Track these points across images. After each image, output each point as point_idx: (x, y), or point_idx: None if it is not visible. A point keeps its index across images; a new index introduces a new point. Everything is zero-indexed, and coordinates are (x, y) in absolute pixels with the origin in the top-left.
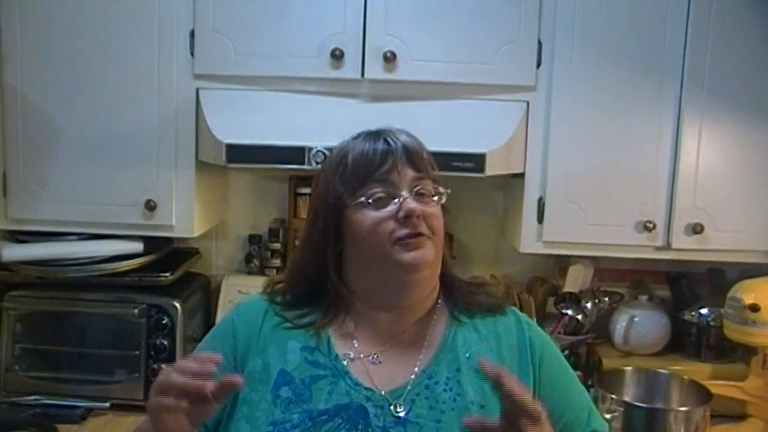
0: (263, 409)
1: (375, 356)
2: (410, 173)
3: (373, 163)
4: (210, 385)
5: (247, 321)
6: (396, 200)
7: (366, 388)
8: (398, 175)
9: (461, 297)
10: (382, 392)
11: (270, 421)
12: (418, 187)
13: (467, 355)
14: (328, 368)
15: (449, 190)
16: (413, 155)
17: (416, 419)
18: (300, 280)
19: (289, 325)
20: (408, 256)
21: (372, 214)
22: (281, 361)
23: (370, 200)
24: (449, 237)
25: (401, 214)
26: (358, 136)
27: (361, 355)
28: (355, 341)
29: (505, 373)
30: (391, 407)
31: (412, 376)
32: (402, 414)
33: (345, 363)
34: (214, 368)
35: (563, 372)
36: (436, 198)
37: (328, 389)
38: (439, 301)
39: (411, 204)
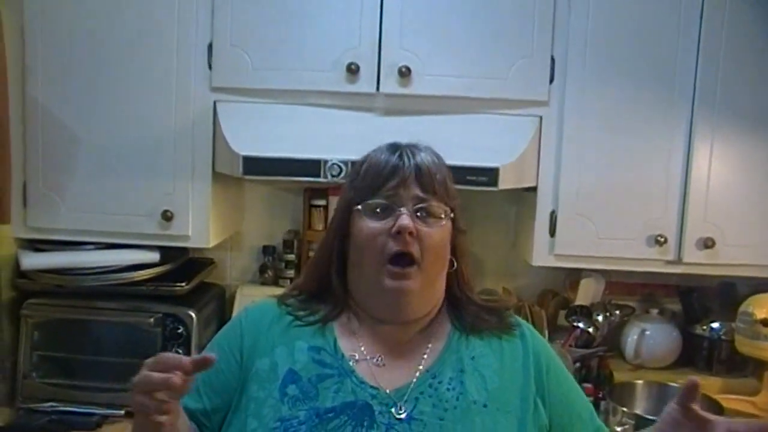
0: (270, 406)
1: (380, 358)
2: (415, 192)
3: (381, 176)
4: (186, 359)
5: (255, 323)
6: (395, 215)
7: (371, 387)
8: (404, 191)
9: (470, 319)
10: (387, 391)
11: (277, 417)
12: (420, 206)
13: (471, 356)
14: (335, 367)
15: (452, 215)
16: (423, 175)
17: (420, 417)
18: (315, 277)
19: (298, 323)
20: (390, 284)
21: (370, 224)
22: (289, 360)
23: (370, 211)
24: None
25: (394, 229)
26: (382, 146)
27: (367, 357)
28: (360, 344)
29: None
30: (396, 406)
31: (417, 375)
32: (406, 412)
33: (351, 363)
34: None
35: (566, 379)
36: (442, 219)
37: (334, 388)
38: (443, 312)
39: (404, 221)
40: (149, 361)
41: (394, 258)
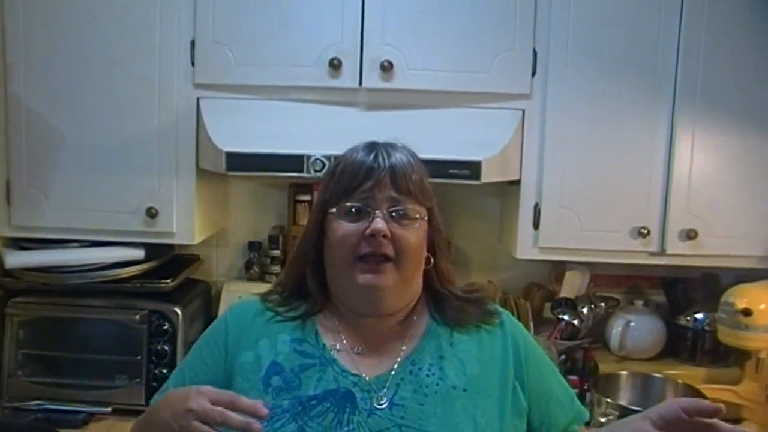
0: (255, 397)
1: (360, 348)
2: (390, 193)
3: (356, 178)
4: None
5: (239, 318)
6: (369, 217)
7: (353, 375)
8: (378, 193)
9: (452, 313)
10: (368, 378)
11: None
12: (395, 209)
13: (450, 343)
14: (316, 357)
15: (426, 217)
16: (398, 176)
17: (401, 402)
18: (293, 276)
19: (279, 318)
20: (363, 278)
21: (344, 226)
22: (272, 353)
23: (345, 212)
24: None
25: (368, 231)
26: (358, 146)
27: (347, 347)
28: (341, 335)
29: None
30: (377, 392)
31: (397, 362)
32: (387, 399)
33: (332, 352)
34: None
35: (545, 365)
36: (417, 220)
37: (316, 376)
38: (421, 302)
39: (378, 224)
40: (211, 392)
41: (365, 256)
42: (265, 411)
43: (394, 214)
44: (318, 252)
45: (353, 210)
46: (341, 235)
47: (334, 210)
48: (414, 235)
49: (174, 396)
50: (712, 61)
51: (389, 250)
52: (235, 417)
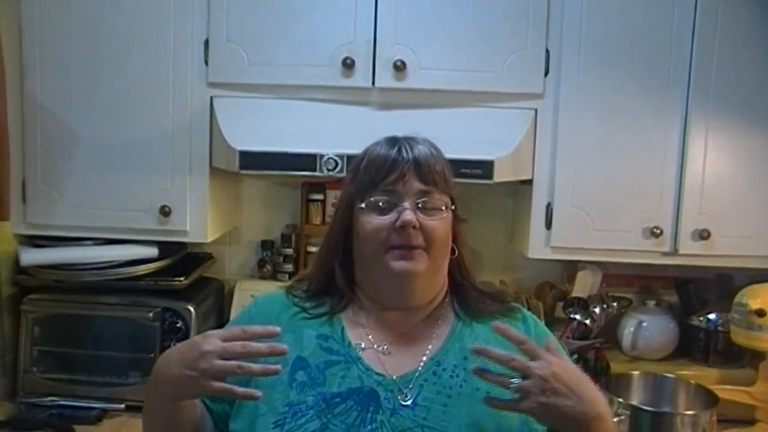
0: (279, 392)
1: (385, 347)
2: (416, 185)
3: (381, 171)
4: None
5: (264, 312)
6: (397, 210)
7: (377, 374)
8: (404, 186)
9: (472, 304)
10: (392, 377)
11: (286, 402)
12: (422, 200)
13: (475, 344)
14: (342, 354)
15: (454, 207)
16: (422, 168)
17: (424, 403)
18: (321, 271)
19: (305, 315)
20: (397, 265)
21: (373, 220)
22: (298, 348)
23: (373, 206)
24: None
25: (397, 224)
26: (380, 140)
27: (373, 346)
28: (367, 333)
29: (488, 349)
30: (401, 392)
31: (422, 362)
32: (410, 398)
33: (357, 350)
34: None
35: None
36: (444, 210)
37: (341, 374)
38: (446, 301)
39: (407, 216)
40: (218, 331)
41: (396, 247)
42: (277, 329)
43: (421, 205)
44: (346, 247)
45: (381, 204)
46: (371, 229)
47: (363, 205)
48: (442, 224)
49: (176, 351)
50: (725, 60)
51: (419, 241)
52: (258, 345)
